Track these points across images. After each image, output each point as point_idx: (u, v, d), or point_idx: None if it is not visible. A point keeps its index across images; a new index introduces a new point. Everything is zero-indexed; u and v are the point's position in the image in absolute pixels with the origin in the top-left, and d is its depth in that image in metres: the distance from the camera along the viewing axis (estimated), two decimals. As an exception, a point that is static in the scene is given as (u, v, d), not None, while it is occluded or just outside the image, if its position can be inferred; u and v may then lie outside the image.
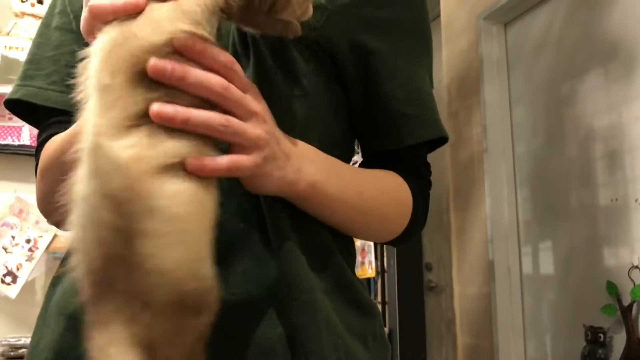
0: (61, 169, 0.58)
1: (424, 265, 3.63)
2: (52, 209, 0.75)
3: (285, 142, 0.68)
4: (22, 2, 3.01)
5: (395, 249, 1.67)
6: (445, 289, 3.26)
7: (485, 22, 2.79)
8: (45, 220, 0.89)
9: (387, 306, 1.75)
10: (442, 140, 0.93)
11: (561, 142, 2.42)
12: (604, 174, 2.20)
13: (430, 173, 0.95)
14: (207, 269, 0.55)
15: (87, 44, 0.65)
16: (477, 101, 2.81)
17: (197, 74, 0.56)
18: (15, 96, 0.86)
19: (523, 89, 2.70)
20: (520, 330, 2.58)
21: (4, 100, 0.88)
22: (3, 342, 2.67)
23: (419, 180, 0.90)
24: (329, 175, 0.73)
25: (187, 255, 0.53)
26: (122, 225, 0.50)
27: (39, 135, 0.89)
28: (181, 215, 0.53)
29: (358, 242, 1.90)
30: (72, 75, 0.80)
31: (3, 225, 2.83)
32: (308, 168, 0.70)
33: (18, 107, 0.87)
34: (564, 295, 2.36)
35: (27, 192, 2.71)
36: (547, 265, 2.48)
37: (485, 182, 2.70)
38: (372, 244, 1.83)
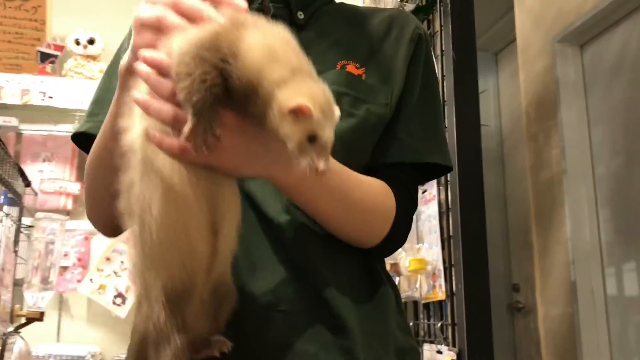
0: (105, 161, 0.76)
1: (512, 286, 3.63)
2: (103, 209, 0.91)
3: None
4: (77, 44, 3.37)
5: (462, 272, 1.75)
6: (532, 310, 3.25)
7: (560, 44, 2.82)
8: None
9: (456, 327, 1.83)
10: (443, 169, 1.02)
11: (640, 162, 2.40)
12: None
13: (416, 199, 1.02)
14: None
15: None
16: (555, 123, 2.83)
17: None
18: (82, 129, 1.00)
19: (601, 109, 2.69)
20: (607, 352, 2.55)
21: (72, 134, 1.01)
22: (115, 359, 2.96)
23: (407, 199, 0.96)
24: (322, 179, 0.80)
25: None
26: None
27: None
28: None
29: (429, 267, 1.99)
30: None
31: (114, 251, 3.14)
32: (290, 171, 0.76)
33: (85, 141, 0.99)
34: (649, 317, 2.32)
35: (134, 222, 2.99)
36: (632, 286, 2.45)
37: (566, 203, 2.70)
38: (442, 268, 1.92)
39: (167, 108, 0.70)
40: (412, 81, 1.00)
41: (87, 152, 1.00)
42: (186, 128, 0.66)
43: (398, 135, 0.97)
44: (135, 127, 0.74)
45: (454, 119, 1.86)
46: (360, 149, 0.95)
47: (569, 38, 2.78)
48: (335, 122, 0.68)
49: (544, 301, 2.88)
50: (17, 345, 1.81)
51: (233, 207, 0.74)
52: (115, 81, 0.99)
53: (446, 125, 1.94)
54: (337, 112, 0.69)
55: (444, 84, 1.98)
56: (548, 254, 2.86)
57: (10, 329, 1.72)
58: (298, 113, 0.64)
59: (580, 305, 2.59)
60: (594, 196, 2.69)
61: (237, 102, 0.68)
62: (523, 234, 3.30)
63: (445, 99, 1.96)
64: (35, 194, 2.01)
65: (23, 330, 1.87)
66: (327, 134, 0.66)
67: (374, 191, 0.91)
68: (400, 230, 0.96)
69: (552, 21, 2.87)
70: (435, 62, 2.07)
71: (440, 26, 2.10)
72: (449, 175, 1.89)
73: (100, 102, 1.01)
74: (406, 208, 0.96)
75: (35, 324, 3.02)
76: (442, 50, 2.05)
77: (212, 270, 0.74)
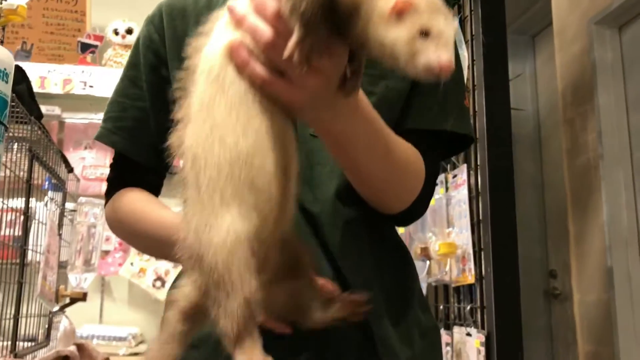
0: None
1: (548, 273, 3.60)
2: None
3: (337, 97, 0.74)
4: (116, 34, 3.44)
5: (492, 256, 1.76)
6: (569, 297, 3.23)
7: (597, 26, 2.77)
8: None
9: (485, 310, 1.84)
10: (465, 141, 1.03)
11: (679, 145, 2.35)
12: None
13: (437, 170, 1.05)
14: None
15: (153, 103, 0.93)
16: (591, 107, 2.79)
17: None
18: (95, 137, 1.07)
19: (640, 92, 2.64)
20: (643, 338, 2.53)
21: (95, 137, 1.07)
22: (155, 339, 3.05)
23: (430, 166, 0.97)
24: (364, 129, 0.82)
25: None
26: None
27: (112, 167, 1.08)
28: None
29: (459, 251, 2.01)
30: (135, 129, 1.01)
31: (153, 236, 3.25)
32: (347, 121, 0.79)
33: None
34: (686, 303, 2.29)
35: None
36: (671, 272, 2.42)
37: (602, 189, 2.67)
38: (471, 252, 1.93)
39: (264, 25, 0.67)
40: None
41: (109, 144, 1.05)
42: (293, 40, 0.62)
43: (415, 104, 0.97)
44: (213, 43, 0.70)
45: (484, 103, 1.86)
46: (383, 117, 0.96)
47: (607, 20, 2.73)
48: (449, 16, 0.64)
49: (580, 287, 2.85)
50: (62, 323, 1.90)
51: (296, 154, 0.72)
52: (123, 81, 1.04)
53: (476, 109, 1.94)
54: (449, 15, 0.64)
55: (474, 69, 1.98)
56: (584, 239, 2.83)
57: (56, 308, 1.80)
58: (400, 10, 0.61)
59: (616, 292, 2.56)
60: (632, 181, 2.65)
61: (334, 28, 0.64)
62: (560, 219, 3.26)
63: (475, 84, 1.96)
64: (78, 179, 2.09)
65: (67, 311, 1.95)
66: (441, 23, 0.61)
67: (409, 149, 0.92)
68: (426, 196, 0.97)
69: (589, 3, 2.82)
70: (465, 47, 2.07)
71: (470, 10, 2.09)
72: (479, 159, 1.89)
73: (110, 103, 1.06)
74: (430, 174, 0.97)
75: (80, 306, 3.13)
76: (472, 35, 2.04)
77: (280, 223, 0.70)
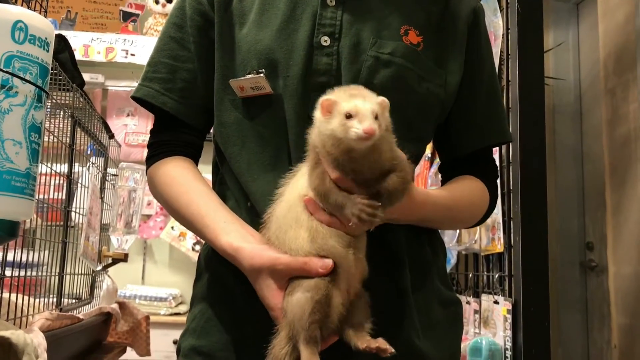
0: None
1: (585, 245, 3.56)
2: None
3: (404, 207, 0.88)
4: (156, 3, 3.48)
5: (520, 225, 1.78)
6: (605, 269, 3.20)
7: (643, -7, 2.68)
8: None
9: (512, 279, 1.86)
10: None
11: None
12: None
13: (496, 167, 1.16)
14: None
15: (201, 64, 1.00)
16: (634, 76, 2.72)
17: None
18: (137, 94, 1.08)
19: (685, 61, 2.57)
20: (678, 312, 2.50)
21: (131, 96, 1.09)
22: (194, 301, 3.16)
23: (492, 178, 1.13)
24: (432, 219, 1.00)
25: None
26: None
27: (153, 133, 1.11)
28: None
29: (488, 220, 2.02)
30: (186, 90, 1.05)
31: (192, 202, 3.33)
32: (414, 214, 0.95)
33: (140, 102, 1.09)
34: None
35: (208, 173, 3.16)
36: None
37: (642, 160, 2.62)
38: (501, 222, 1.94)
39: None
40: (474, 67, 1.09)
41: (146, 107, 1.09)
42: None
43: (477, 122, 1.09)
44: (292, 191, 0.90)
45: (518, 73, 1.85)
46: (419, 126, 1.03)
47: (653, -14, 2.64)
48: (362, 97, 0.83)
49: (616, 260, 2.83)
50: (105, 283, 1.99)
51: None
52: (170, 42, 1.08)
53: (510, 79, 1.93)
54: (379, 98, 0.84)
55: (509, 38, 1.96)
56: (621, 211, 2.80)
57: (99, 268, 1.89)
58: (328, 108, 0.82)
59: (652, 264, 2.53)
60: (673, 153, 2.59)
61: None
62: (599, 191, 3.22)
63: (510, 53, 1.94)
64: (119, 145, 2.16)
65: (112, 272, 2.04)
66: (358, 105, 0.81)
67: (471, 193, 1.07)
68: (490, 210, 1.13)
69: (636, -32, 2.73)
70: (500, 15, 2.04)
71: (507, -22, 2.05)
72: (511, 129, 1.89)
73: (154, 64, 1.08)
74: (494, 190, 1.12)
75: (123, 267, 3.26)
76: (507, 3, 2.01)
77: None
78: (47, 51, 0.91)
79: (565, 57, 3.66)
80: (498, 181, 2.02)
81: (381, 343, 0.84)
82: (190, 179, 1.03)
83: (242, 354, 0.95)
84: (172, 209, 1.04)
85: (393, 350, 0.84)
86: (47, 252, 1.43)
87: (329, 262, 0.84)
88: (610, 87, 2.94)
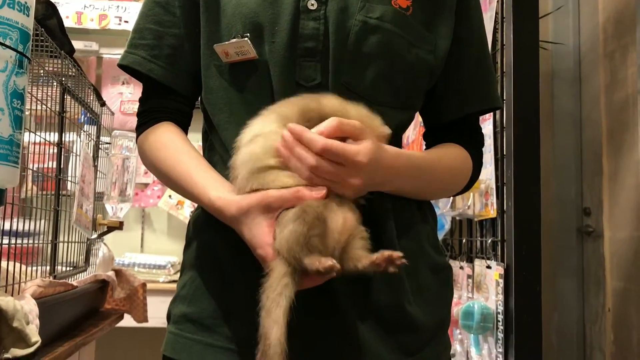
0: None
1: (582, 210, 3.57)
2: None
3: (378, 171, 0.88)
4: None
5: (513, 190, 1.78)
6: (602, 234, 3.21)
7: (643, -46, 2.64)
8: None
9: (505, 244, 1.87)
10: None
11: None
12: None
13: (482, 136, 1.14)
14: None
15: (187, 29, 1.00)
16: (632, 39, 2.69)
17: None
18: (124, 62, 1.06)
19: (685, 24, 2.53)
20: (672, 277, 2.52)
21: (118, 64, 1.07)
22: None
23: (476, 145, 1.10)
24: (408, 179, 0.96)
25: None
26: None
27: (141, 101, 1.10)
28: None
29: (482, 186, 2.02)
30: (172, 56, 1.04)
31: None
32: (392, 182, 0.94)
33: (127, 70, 1.07)
34: None
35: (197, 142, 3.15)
36: None
37: (639, 125, 2.61)
38: (494, 187, 1.94)
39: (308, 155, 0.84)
40: (463, 31, 1.06)
41: (134, 75, 1.08)
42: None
43: (464, 88, 1.06)
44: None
45: (512, 37, 1.82)
46: (408, 93, 1.01)
47: (654, -53, 2.60)
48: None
49: (611, 225, 2.84)
50: (101, 251, 2.01)
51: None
52: (155, 8, 1.07)
53: (504, 43, 1.91)
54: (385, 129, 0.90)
55: (503, 1, 1.93)
56: (618, 177, 2.80)
57: (94, 236, 1.90)
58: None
59: (647, 229, 2.54)
60: (671, 117, 2.58)
61: None
62: (596, 157, 3.21)
63: (504, 16, 1.91)
64: (112, 113, 2.15)
65: (111, 241, 2.05)
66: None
67: (452, 159, 1.04)
68: (474, 179, 1.11)
69: None
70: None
71: (501, -63, 2.01)
72: (504, 94, 1.87)
73: (139, 30, 1.06)
74: (479, 158, 1.10)
75: (122, 236, 3.28)
76: (503, -35, 1.98)
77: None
78: (28, 16, 0.90)
79: (565, 21, 3.61)
80: (491, 147, 2.05)
81: (390, 252, 0.82)
82: (178, 143, 1.02)
83: (231, 321, 0.96)
84: (161, 173, 1.03)
85: (404, 260, 0.81)
86: (43, 221, 1.44)
87: (322, 188, 0.83)
88: (609, 51, 2.91)
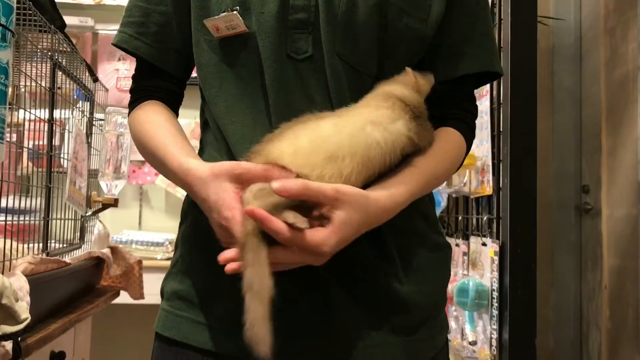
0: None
1: (581, 188, 3.56)
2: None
3: (361, 228, 0.83)
4: None
5: (509, 167, 1.76)
6: (600, 212, 3.21)
7: None
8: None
9: (500, 221, 1.86)
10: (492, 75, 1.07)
11: None
12: None
13: (476, 106, 1.09)
14: None
15: (175, 6, 0.97)
16: (634, 14, 2.66)
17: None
18: (114, 41, 1.05)
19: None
20: (669, 254, 2.52)
21: (112, 43, 1.06)
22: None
23: (471, 125, 1.06)
24: (408, 201, 0.91)
25: None
26: None
27: (133, 79, 1.09)
28: None
29: (478, 163, 2.00)
30: (159, 34, 1.02)
31: (187, 147, 3.32)
32: (391, 214, 0.88)
33: (120, 48, 1.05)
34: None
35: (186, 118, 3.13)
36: (703, 187, 2.37)
37: (638, 102, 2.59)
38: (490, 164, 1.93)
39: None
40: None
41: (132, 50, 1.05)
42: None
43: (457, 50, 1.00)
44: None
45: (509, 11, 1.79)
46: (397, 58, 0.97)
47: None
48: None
49: (609, 202, 2.83)
50: (96, 228, 2.00)
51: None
52: None
53: (502, 17, 1.88)
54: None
55: (501, -25, 1.90)
56: (616, 154, 2.78)
57: (89, 213, 1.89)
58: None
59: (645, 206, 2.54)
60: (671, 94, 2.56)
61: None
62: (596, 134, 3.20)
63: (502, -9, 1.88)
64: (106, 89, 2.13)
65: (108, 219, 2.05)
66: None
67: (450, 156, 1.00)
68: (466, 155, 1.07)
69: None
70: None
71: None
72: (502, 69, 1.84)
73: (128, 8, 1.05)
74: (472, 134, 1.06)
75: (119, 213, 3.27)
76: (501, -62, 1.94)
77: None
78: (10, -12, 0.88)
79: (566, -4, 3.57)
80: (488, 124, 2.03)
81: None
82: (160, 119, 1.01)
83: (217, 300, 0.95)
84: (141, 147, 1.01)
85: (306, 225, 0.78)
86: (39, 198, 1.43)
87: (293, 173, 0.80)
88: (610, 26, 2.88)
